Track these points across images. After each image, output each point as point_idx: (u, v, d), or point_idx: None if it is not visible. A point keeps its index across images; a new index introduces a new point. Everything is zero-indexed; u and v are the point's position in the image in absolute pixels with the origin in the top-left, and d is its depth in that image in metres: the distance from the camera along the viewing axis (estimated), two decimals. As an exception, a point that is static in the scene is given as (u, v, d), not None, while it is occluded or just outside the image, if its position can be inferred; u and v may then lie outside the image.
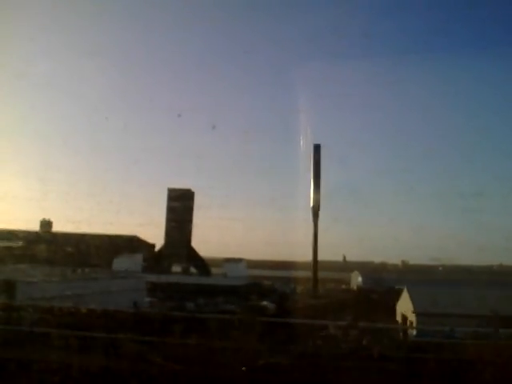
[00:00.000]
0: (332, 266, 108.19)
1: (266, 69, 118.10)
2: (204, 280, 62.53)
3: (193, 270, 74.62)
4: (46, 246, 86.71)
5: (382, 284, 76.79)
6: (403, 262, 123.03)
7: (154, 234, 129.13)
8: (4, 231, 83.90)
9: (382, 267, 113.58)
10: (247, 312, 41.22)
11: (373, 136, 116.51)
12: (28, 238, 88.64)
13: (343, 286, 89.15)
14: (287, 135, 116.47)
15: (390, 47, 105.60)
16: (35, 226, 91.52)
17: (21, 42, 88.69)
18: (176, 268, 74.32)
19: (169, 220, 74.25)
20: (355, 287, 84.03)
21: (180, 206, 73.56)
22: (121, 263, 74.96)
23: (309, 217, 54.75)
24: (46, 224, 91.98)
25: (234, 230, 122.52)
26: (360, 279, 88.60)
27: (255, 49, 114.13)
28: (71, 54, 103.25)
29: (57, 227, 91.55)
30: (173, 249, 73.26)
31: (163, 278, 52.05)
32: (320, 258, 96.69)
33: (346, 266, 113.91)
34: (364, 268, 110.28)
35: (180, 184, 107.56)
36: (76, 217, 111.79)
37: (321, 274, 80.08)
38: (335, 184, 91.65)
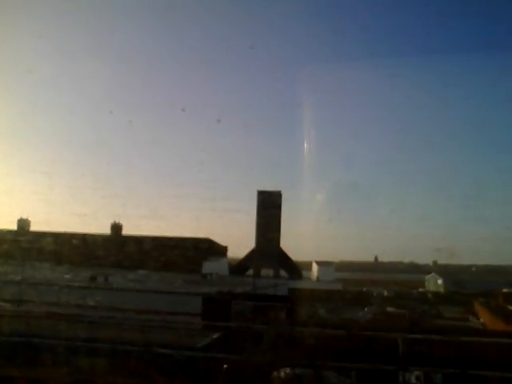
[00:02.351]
0: (364, 266, 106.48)
1: (271, 63, 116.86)
2: (308, 284, 60.75)
3: (283, 273, 72.78)
4: (118, 248, 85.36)
5: (466, 286, 74.77)
6: (434, 262, 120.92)
7: (158, 225, 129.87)
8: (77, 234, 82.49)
9: (414, 267, 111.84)
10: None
11: (374, 130, 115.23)
12: (99, 241, 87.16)
13: (420, 290, 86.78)
14: (291, 129, 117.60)
15: (391, 41, 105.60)
16: (38, 221, 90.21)
17: (29, 39, 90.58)
18: (266, 271, 72.46)
19: (259, 222, 72.43)
20: (441, 290, 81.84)
21: (269, 207, 71.75)
22: (209, 267, 73.24)
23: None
24: (117, 227, 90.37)
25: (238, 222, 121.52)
26: (440, 282, 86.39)
27: (260, 44, 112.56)
28: (77, 50, 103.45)
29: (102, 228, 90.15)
30: (263, 252, 71.40)
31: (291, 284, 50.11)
32: (350, 258, 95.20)
33: (379, 267, 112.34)
34: (396, 268, 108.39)
35: (182, 179, 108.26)
36: (82, 210, 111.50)
37: (365, 276, 78.75)
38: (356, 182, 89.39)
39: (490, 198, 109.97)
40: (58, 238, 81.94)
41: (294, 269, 72.80)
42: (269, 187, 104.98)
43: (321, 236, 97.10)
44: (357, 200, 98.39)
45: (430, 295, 70.17)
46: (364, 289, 68.60)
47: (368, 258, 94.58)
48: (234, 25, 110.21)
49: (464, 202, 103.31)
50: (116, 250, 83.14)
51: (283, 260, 72.24)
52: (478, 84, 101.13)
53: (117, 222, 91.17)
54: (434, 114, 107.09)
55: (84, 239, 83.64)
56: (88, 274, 50.46)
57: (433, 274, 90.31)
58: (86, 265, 66.84)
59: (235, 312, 20.11)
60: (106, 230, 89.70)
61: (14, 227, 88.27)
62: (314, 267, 75.33)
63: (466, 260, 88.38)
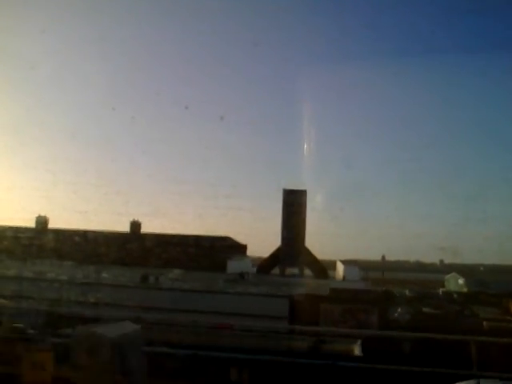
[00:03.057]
0: (371, 265, 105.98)
1: (275, 61, 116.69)
2: (343, 284, 60.39)
3: (308, 272, 72.52)
4: (141, 246, 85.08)
5: (490, 287, 74.30)
6: (440, 261, 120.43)
7: (160, 223, 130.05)
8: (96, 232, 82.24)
9: (421, 266, 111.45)
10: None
11: (378, 128, 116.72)
12: (121, 239, 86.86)
13: (441, 290, 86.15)
14: (295, 127, 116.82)
15: (395, 40, 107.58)
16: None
17: (32, 35, 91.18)
18: (291, 270, 72.23)
19: (284, 221, 72.18)
20: (463, 290, 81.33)
21: (295, 206, 71.46)
22: (234, 266, 72.98)
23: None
24: (136, 225, 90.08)
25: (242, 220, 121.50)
26: (462, 282, 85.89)
27: (264, 41, 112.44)
28: (81, 46, 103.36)
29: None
30: (289, 250, 71.15)
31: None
32: (357, 257, 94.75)
33: (386, 266, 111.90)
34: (402, 267, 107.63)
35: (185, 176, 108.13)
36: (84, 207, 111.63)
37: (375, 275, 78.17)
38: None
39: (494, 196, 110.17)
40: (78, 236, 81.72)
41: (320, 268, 72.53)
42: (271, 185, 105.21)
43: (324, 234, 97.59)
44: (360, 198, 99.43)
45: (455, 295, 69.78)
46: (383, 288, 68.30)
47: (371, 256, 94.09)
48: (238, 22, 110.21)
49: (468, 201, 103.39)
50: (140, 249, 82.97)
51: (309, 259, 71.95)
52: (481, 83, 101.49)
53: (136, 219, 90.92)
54: (438, 112, 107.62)
55: (106, 237, 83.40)
56: (122, 273, 50.05)
57: (453, 273, 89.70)
58: (114, 263, 66.39)
59: (324, 315, 19.79)
60: (107, 227, 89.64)
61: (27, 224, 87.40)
62: (339, 266, 75.03)
63: (469, 259, 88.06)
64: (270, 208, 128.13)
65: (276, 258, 72.92)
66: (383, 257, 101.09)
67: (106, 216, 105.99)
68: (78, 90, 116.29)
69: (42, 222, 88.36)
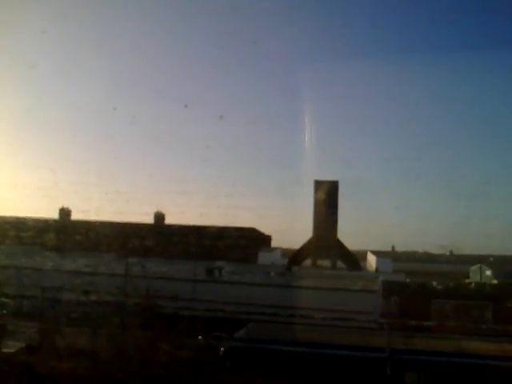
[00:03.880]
0: (382, 256, 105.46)
1: (276, 59, 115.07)
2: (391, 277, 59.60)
3: (340, 264, 71.95)
4: (164, 237, 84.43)
5: (518, 278, 73.55)
6: (450, 251, 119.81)
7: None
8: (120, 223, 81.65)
9: (430, 257, 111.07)
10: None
11: (380, 126, 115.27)
12: (146, 231, 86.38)
13: (468, 281, 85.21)
14: (296, 125, 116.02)
15: (399, 37, 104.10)
16: (44, 216, 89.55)
17: (33, 35, 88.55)
18: (322, 262, 71.75)
19: (316, 212, 71.44)
20: (492, 281, 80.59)
21: (326, 197, 70.72)
22: (265, 258, 72.50)
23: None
24: (160, 217, 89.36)
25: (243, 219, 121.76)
26: (489, 273, 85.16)
27: (264, 39, 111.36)
28: (81, 46, 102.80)
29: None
30: (321, 242, 70.54)
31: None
32: (367, 248, 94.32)
33: (396, 257, 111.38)
34: (412, 257, 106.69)
35: (186, 175, 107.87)
36: (85, 207, 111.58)
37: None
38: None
39: (496, 194, 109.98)
40: (103, 227, 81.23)
41: (353, 260, 71.98)
42: (273, 184, 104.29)
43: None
44: (362, 194, 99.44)
45: (488, 287, 69.14)
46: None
47: (380, 247, 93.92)
48: (238, 20, 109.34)
49: (470, 199, 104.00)
50: (166, 240, 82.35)
51: (341, 251, 71.38)
52: (485, 81, 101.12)
53: (159, 211, 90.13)
54: (442, 110, 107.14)
55: (133, 228, 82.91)
56: (164, 263, 49.26)
57: (479, 264, 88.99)
58: (144, 255, 65.61)
59: (435, 311, 19.10)
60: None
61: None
62: (371, 258, 74.52)
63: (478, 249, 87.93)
64: (271, 206, 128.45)
65: (307, 249, 72.32)
66: (393, 247, 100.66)
67: (107, 215, 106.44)
68: (79, 89, 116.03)
69: (65, 213, 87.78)
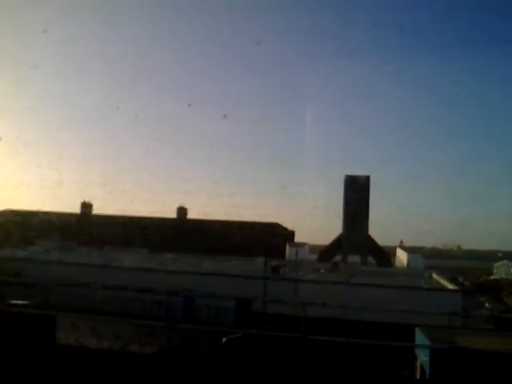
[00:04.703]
0: (391, 251, 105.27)
1: (277, 59, 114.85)
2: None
3: (371, 260, 71.30)
4: (187, 232, 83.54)
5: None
6: (458, 247, 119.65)
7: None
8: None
9: (438, 252, 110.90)
10: None
11: (381, 125, 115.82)
12: (170, 225, 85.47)
13: (491, 277, 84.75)
14: (298, 124, 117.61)
15: (399, 36, 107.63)
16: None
17: (34, 34, 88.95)
18: (353, 258, 71.05)
19: (346, 207, 70.68)
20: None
21: (357, 192, 69.94)
22: (293, 253, 71.65)
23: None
24: (183, 211, 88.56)
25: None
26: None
27: (266, 39, 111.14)
28: (83, 45, 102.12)
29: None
30: (351, 238, 69.83)
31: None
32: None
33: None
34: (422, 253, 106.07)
35: (189, 174, 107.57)
36: None
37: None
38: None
39: (498, 193, 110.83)
40: (127, 222, 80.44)
41: (383, 255, 71.34)
42: (274, 182, 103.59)
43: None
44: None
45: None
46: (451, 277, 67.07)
47: (388, 242, 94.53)
48: (240, 20, 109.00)
49: (471, 199, 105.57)
50: (189, 235, 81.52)
51: (371, 247, 70.71)
52: (484, 80, 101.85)
53: (182, 205, 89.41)
54: (443, 109, 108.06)
55: (156, 223, 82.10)
56: (195, 259, 48.20)
57: (504, 261, 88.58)
58: (171, 250, 64.61)
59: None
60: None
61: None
62: (402, 254, 73.95)
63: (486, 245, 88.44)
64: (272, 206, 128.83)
65: (338, 245, 71.66)
66: (401, 242, 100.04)
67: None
68: (81, 89, 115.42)
69: (87, 207, 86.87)
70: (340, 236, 71.92)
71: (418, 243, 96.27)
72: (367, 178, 70.49)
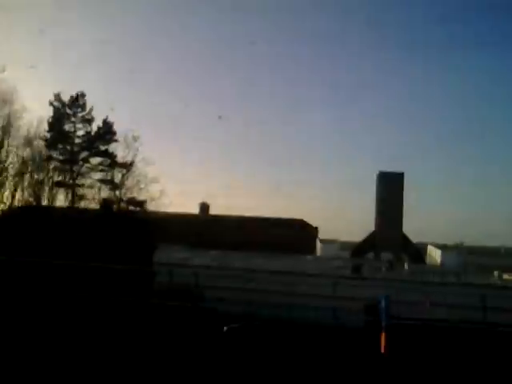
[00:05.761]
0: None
1: (273, 59, 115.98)
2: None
3: (404, 257, 70.21)
4: (210, 228, 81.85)
5: None
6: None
7: None
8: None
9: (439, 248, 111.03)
10: None
11: (385, 125, 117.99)
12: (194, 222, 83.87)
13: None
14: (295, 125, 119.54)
15: (399, 36, 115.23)
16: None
17: (31, 35, 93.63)
18: (386, 255, 69.98)
19: (379, 204, 69.62)
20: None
21: (391, 189, 68.85)
22: (326, 250, 70.77)
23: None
24: (205, 207, 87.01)
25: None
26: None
27: (261, 40, 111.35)
28: (80, 45, 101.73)
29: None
30: (385, 235, 68.77)
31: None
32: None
33: None
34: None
35: (185, 175, 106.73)
36: None
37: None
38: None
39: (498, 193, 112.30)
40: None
41: (417, 253, 70.31)
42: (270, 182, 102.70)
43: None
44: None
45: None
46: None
47: None
48: (235, 20, 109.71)
49: (469, 199, 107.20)
50: (212, 231, 79.97)
51: (405, 244, 69.71)
52: (492, 79, 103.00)
53: (205, 201, 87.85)
54: (446, 109, 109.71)
55: (178, 218, 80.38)
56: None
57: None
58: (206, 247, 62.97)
59: None
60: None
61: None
62: (433, 251, 73.01)
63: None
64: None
65: (370, 242, 70.60)
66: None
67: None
68: (78, 89, 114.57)
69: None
70: (373, 233, 70.85)
71: (420, 240, 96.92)
72: (401, 175, 69.42)
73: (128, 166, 32.44)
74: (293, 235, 79.90)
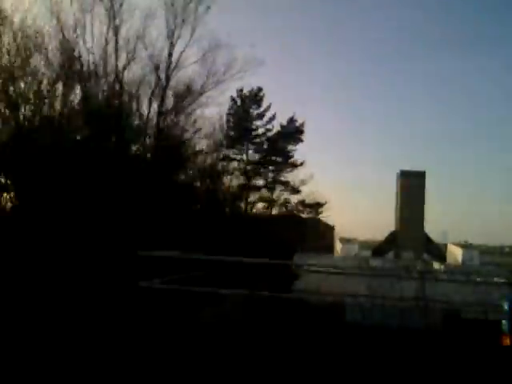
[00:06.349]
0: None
1: (273, 61, 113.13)
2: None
3: (426, 256, 70.23)
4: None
5: None
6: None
7: None
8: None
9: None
10: None
11: (378, 127, 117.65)
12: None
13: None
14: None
15: (400, 35, 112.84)
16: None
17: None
18: (407, 254, 70.02)
19: (401, 203, 69.60)
20: None
21: (413, 187, 68.86)
22: (347, 249, 70.88)
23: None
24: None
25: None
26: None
27: (260, 41, 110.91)
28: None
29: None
30: (407, 234, 68.77)
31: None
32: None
33: None
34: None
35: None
36: None
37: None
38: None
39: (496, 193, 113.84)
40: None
41: (439, 252, 70.37)
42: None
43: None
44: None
45: None
46: None
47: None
48: (235, 22, 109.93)
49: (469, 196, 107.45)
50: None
51: (427, 243, 69.72)
52: (494, 81, 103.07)
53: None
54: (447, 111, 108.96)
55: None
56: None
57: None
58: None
59: None
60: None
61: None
62: (454, 250, 73.13)
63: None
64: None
65: (392, 241, 70.59)
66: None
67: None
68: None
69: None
70: (393, 232, 70.91)
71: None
72: (423, 174, 69.37)
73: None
74: (315, 233, 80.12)
